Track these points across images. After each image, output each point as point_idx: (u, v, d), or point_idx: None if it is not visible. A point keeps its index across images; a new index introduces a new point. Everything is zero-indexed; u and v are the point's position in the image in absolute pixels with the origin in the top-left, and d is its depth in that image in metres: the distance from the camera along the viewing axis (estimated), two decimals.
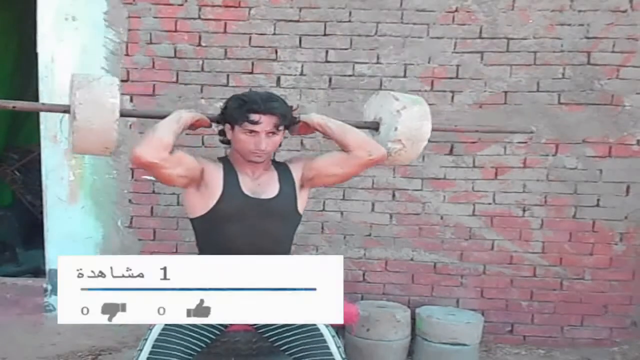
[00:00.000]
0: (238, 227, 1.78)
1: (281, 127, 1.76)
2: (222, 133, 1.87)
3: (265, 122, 1.72)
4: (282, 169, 1.87)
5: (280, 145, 1.84)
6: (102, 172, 3.21)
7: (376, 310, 2.90)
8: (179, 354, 1.70)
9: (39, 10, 3.11)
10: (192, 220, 1.85)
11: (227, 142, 1.87)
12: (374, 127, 1.94)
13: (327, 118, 1.86)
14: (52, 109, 1.83)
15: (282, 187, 1.83)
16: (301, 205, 1.88)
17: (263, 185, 1.82)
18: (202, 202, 1.79)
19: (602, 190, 3.08)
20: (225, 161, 1.85)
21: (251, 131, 1.72)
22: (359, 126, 1.92)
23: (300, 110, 3.03)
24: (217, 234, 1.80)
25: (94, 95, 1.60)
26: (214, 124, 1.87)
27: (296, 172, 1.87)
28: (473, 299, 3.17)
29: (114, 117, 1.63)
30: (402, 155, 1.90)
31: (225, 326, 1.86)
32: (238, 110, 1.74)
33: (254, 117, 1.71)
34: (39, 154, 3.30)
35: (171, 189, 3.13)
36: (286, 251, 1.89)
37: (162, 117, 1.76)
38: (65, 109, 1.67)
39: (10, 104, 1.69)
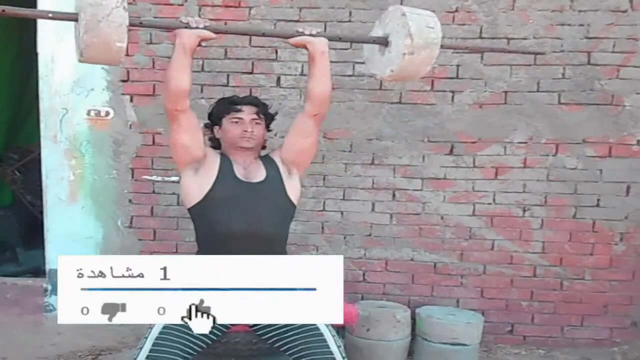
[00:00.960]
0: (232, 211, 1.85)
1: (262, 116, 2.00)
2: (212, 139, 2.07)
3: (247, 110, 1.97)
4: (265, 159, 2.04)
5: (265, 144, 2.07)
6: (102, 172, 3.21)
7: (376, 310, 2.90)
8: (178, 352, 1.72)
9: None
10: (189, 210, 1.94)
11: (218, 146, 2.05)
12: (382, 43, 1.89)
13: (327, 55, 1.91)
14: (60, 17, 1.76)
15: (268, 172, 1.97)
16: (292, 193, 1.98)
17: (253, 172, 1.96)
18: (198, 187, 1.90)
19: (602, 190, 3.08)
20: (222, 154, 2.01)
21: (237, 120, 1.96)
22: (366, 41, 1.99)
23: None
24: (213, 220, 1.87)
25: (102, 38, 1.58)
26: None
27: (277, 159, 2.02)
28: (473, 299, 3.17)
29: (120, 56, 1.63)
30: (388, 81, 2.00)
31: (227, 327, 1.86)
32: (222, 105, 2.02)
33: (237, 106, 1.98)
34: (39, 154, 3.30)
35: (171, 188, 3.14)
36: (281, 239, 1.96)
37: (169, 28, 1.90)
38: (73, 17, 1.64)
39: (20, 10, 1.65)
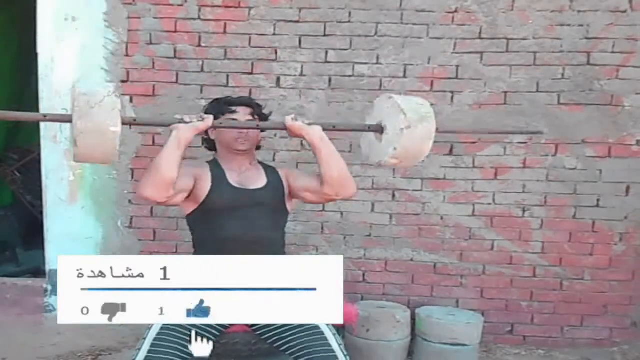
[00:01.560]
0: (229, 219, 1.85)
1: (257, 116, 1.98)
2: (206, 141, 2.06)
3: (242, 111, 1.95)
4: (269, 169, 2.02)
5: (260, 144, 2.06)
6: (102, 172, 3.21)
7: (376, 311, 2.90)
8: (177, 352, 1.71)
9: (39, 10, 3.11)
10: (186, 217, 1.95)
11: (213, 148, 2.04)
12: (377, 130, 1.89)
13: (327, 139, 1.85)
14: (55, 119, 1.82)
15: (269, 180, 1.95)
16: (289, 203, 1.99)
17: (250, 178, 1.94)
18: (193, 199, 1.89)
19: (602, 190, 3.08)
20: (212, 162, 1.98)
21: (231, 120, 1.91)
22: (361, 129, 1.95)
23: (300, 110, 3.08)
24: (210, 227, 1.87)
25: (95, 124, 1.58)
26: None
27: (284, 176, 2.00)
28: (473, 299, 3.17)
29: (115, 145, 1.61)
30: (395, 166, 1.99)
31: (226, 327, 1.86)
32: (217, 106, 1.98)
33: (232, 107, 1.95)
34: (39, 154, 3.30)
35: None
36: (278, 243, 1.96)
37: (163, 125, 1.85)
38: (68, 119, 1.65)
39: (14, 114, 1.72)
